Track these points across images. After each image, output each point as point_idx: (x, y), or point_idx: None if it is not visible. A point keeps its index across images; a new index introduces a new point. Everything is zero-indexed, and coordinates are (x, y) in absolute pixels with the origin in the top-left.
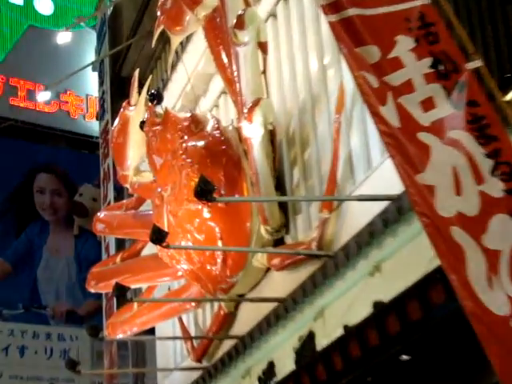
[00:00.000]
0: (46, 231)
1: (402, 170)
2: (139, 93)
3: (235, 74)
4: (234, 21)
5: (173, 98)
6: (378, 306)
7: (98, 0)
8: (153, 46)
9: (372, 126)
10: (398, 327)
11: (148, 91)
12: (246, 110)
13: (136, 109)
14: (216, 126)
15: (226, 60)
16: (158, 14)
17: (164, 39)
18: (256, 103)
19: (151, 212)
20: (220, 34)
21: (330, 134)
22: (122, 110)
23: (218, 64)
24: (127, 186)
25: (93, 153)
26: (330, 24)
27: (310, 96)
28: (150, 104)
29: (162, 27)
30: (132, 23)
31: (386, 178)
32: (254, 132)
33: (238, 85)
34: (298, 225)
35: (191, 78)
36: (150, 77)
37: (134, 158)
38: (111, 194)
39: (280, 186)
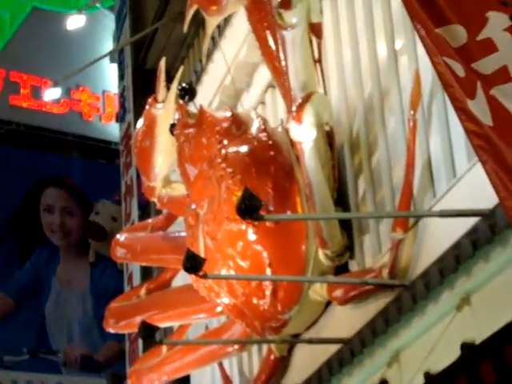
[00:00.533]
0: (55, 258)
1: (495, 178)
2: (168, 87)
3: (283, 63)
4: None
5: (209, 94)
6: (467, 348)
7: None
8: (184, 30)
9: (456, 124)
10: (494, 375)
11: (179, 85)
12: (294, 108)
13: (164, 106)
14: (262, 127)
15: (273, 47)
16: None
17: (197, 23)
18: (306, 99)
19: (184, 234)
20: (267, 16)
21: (403, 135)
22: (147, 107)
23: (264, 52)
24: (154, 199)
25: (112, 162)
26: None
27: (377, 89)
28: (180, 101)
29: (195, 7)
30: (158, 3)
31: (474, 189)
32: (304, 135)
33: (286, 77)
34: (365, 247)
35: (231, 69)
36: (182, 68)
37: (163, 165)
38: (135, 213)
39: (342, 200)
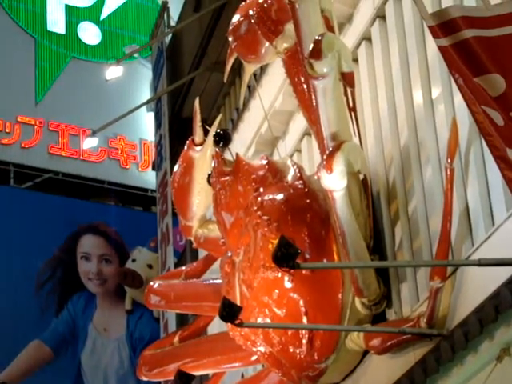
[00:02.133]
0: (92, 306)
1: None
2: (204, 128)
3: (316, 112)
4: (310, 49)
5: (245, 142)
6: None
7: (153, 26)
8: (225, 79)
9: (495, 173)
10: None
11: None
12: (324, 157)
13: (202, 150)
14: (298, 175)
15: (306, 92)
16: (231, 39)
17: (233, 72)
18: (337, 148)
19: (217, 281)
20: (303, 69)
21: (440, 184)
22: (185, 149)
23: (300, 100)
24: (191, 238)
25: (148, 210)
26: (440, 49)
27: (414, 137)
28: (216, 148)
29: (235, 55)
30: (195, 53)
31: None
32: (334, 183)
33: (319, 126)
34: (403, 296)
35: (267, 117)
36: (220, 115)
37: (200, 206)
38: (170, 260)
39: (378, 248)
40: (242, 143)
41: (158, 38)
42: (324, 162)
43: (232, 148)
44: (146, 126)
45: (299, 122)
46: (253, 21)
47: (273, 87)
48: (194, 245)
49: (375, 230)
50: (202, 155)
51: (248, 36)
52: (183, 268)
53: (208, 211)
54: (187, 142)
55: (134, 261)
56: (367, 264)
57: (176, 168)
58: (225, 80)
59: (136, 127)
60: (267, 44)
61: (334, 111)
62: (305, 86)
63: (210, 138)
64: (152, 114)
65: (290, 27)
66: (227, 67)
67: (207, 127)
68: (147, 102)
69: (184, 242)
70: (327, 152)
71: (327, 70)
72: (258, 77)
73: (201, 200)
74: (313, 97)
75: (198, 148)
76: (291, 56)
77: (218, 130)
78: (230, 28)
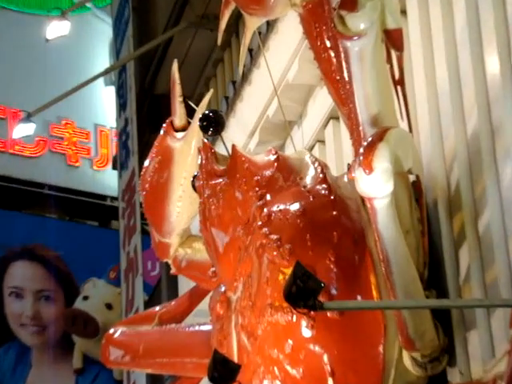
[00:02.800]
0: (25, 362)
1: None
2: (189, 112)
3: (347, 86)
4: None
5: (245, 129)
6: None
7: None
8: (219, 39)
9: None
10: None
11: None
12: (362, 150)
13: (185, 138)
14: (321, 176)
15: (333, 61)
16: None
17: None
18: (379, 137)
19: (208, 327)
20: (329, 27)
21: None
22: (161, 135)
23: (324, 71)
24: (168, 261)
25: (106, 226)
26: None
27: (487, 122)
28: (203, 137)
29: (232, 6)
30: (173, 2)
31: None
32: (376, 188)
33: (352, 105)
34: (471, 350)
35: (277, 93)
36: (211, 91)
37: (182, 215)
38: (139, 297)
39: (435, 280)
40: (241, 130)
41: None
42: (360, 158)
43: (226, 137)
44: (103, 106)
45: (322, 101)
46: None
47: (285, 52)
48: (173, 270)
49: (432, 254)
50: (184, 145)
51: None
52: (157, 309)
53: (193, 223)
54: (164, 125)
55: (86, 298)
56: (420, 303)
57: (147, 163)
58: (218, 41)
59: (89, 108)
60: None
61: (375, 85)
62: (332, 53)
63: (196, 122)
64: (112, 90)
65: None
66: (221, 23)
67: (192, 105)
68: (105, 73)
69: (158, 271)
70: (365, 143)
71: (365, 25)
72: (263, 36)
73: (183, 208)
74: (343, 65)
75: (178, 135)
76: (312, 10)
77: (207, 112)
78: None
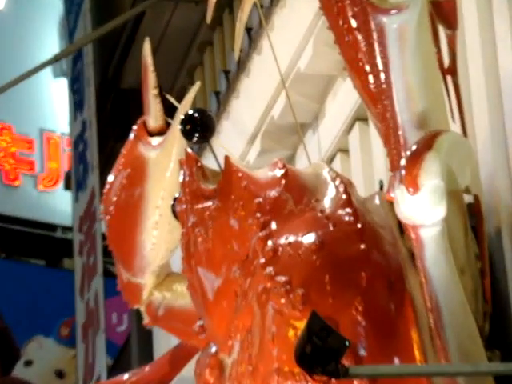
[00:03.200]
0: None
1: None
2: (168, 109)
3: (382, 76)
4: None
5: (242, 134)
6: None
7: None
8: (208, 16)
9: None
10: None
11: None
12: (403, 162)
13: (163, 145)
14: (344, 197)
15: (365, 49)
16: None
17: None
18: (426, 145)
19: None
20: (355, 6)
21: None
22: (130, 139)
23: (347, 57)
24: (140, 308)
25: (56, 265)
26: None
27: None
28: (186, 146)
29: None
30: None
31: None
32: (423, 213)
33: (387, 102)
34: None
35: (285, 85)
36: (198, 84)
37: (158, 247)
38: (101, 361)
39: (500, 336)
40: (238, 136)
41: None
42: (402, 172)
43: (217, 146)
44: (51, 105)
45: (345, 97)
46: None
47: (295, 31)
48: (146, 321)
49: (495, 301)
50: (161, 155)
51: None
52: (125, 377)
53: (174, 258)
54: (134, 128)
55: (28, 364)
56: (480, 368)
57: (112, 177)
58: (208, 18)
59: (32, 108)
60: None
61: (419, 74)
62: (359, 35)
63: (177, 125)
64: (64, 83)
65: None
66: None
67: (172, 101)
68: (54, 60)
69: (126, 326)
70: (407, 153)
71: None
72: (266, 11)
73: (159, 238)
74: (377, 49)
75: (154, 140)
76: None
77: (191, 112)
78: None
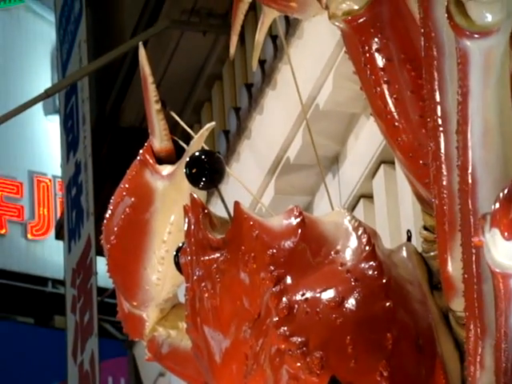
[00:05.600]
0: None
1: None
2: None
3: (456, 110)
4: None
5: (253, 178)
6: None
7: None
8: (231, 49)
9: None
10: None
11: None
12: (498, 205)
13: (173, 178)
14: (367, 248)
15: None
16: None
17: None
18: None
19: None
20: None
21: None
22: (137, 163)
23: (377, 112)
24: (142, 340)
25: (46, 324)
26: None
27: None
28: (192, 193)
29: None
30: None
31: None
32: None
33: (445, 136)
34: None
35: (303, 122)
36: (210, 125)
37: (164, 284)
38: None
39: None
40: (249, 180)
41: None
42: (495, 214)
43: (226, 190)
44: (42, 145)
45: (369, 137)
46: None
47: (313, 64)
48: (148, 356)
49: None
50: (170, 188)
51: None
52: None
53: (180, 290)
54: (141, 152)
55: None
56: None
57: (114, 204)
58: (231, 52)
59: (21, 148)
60: None
61: (500, 105)
62: (386, 88)
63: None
64: (56, 121)
65: None
66: (235, 23)
67: (180, 142)
68: (46, 96)
69: None
70: (503, 193)
71: (498, 17)
72: (282, 41)
73: (165, 274)
74: (445, 75)
75: (163, 169)
76: (360, 27)
77: (197, 154)
78: None
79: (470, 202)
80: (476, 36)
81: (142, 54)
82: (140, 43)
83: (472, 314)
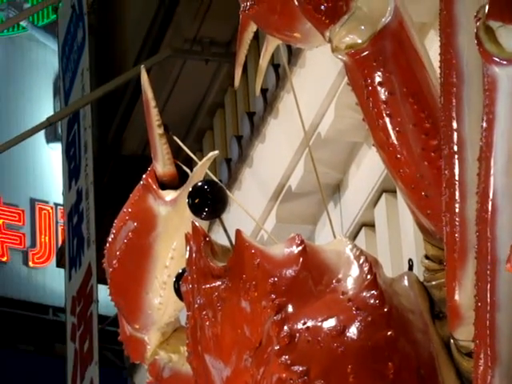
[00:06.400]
0: None
1: None
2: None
3: (480, 136)
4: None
5: (255, 207)
6: None
7: None
8: (236, 81)
9: None
10: None
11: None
12: None
13: (176, 204)
14: (368, 277)
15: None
16: None
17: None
18: None
19: None
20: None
21: None
22: (140, 188)
23: (379, 144)
24: (143, 363)
25: (47, 352)
26: None
27: None
28: (193, 220)
29: (251, 28)
30: (150, 19)
31: None
32: None
33: (461, 163)
34: None
35: (305, 151)
36: (213, 154)
37: (166, 308)
38: None
39: None
40: (251, 208)
41: None
42: None
43: (228, 219)
44: (44, 172)
45: (371, 166)
46: None
47: (314, 93)
48: (149, 380)
49: None
50: (173, 214)
51: (273, 1)
52: None
53: (182, 314)
54: (144, 176)
55: None
56: None
57: (117, 228)
58: (236, 84)
59: (23, 176)
60: (312, 29)
61: None
62: (388, 121)
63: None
64: (58, 148)
65: (362, 3)
66: (240, 53)
67: (185, 168)
68: (48, 124)
69: None
70: None
71: None
72: (284, 70)
73: (167, 299)
74: (464, 103)
75: (166, 195)
76: (363, 61)
77: (200, 183)
78: None
79: (488, 229)
80: (505, 63)
81: (145, 77)
82: (142, 66)
83: (483, 343)
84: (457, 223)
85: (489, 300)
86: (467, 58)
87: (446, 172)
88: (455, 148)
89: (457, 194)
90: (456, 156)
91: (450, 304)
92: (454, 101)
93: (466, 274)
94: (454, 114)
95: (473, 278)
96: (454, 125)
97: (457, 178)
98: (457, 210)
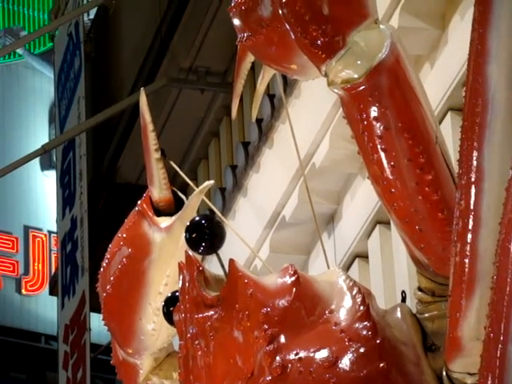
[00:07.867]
0: None
1: None
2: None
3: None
4: None
5: (249, 236)
6: None
7: None
8: (233, 112)
9: None
10: None
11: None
12: None
13: (171, 231)
14: (361, 308)
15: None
16: (237, 24)
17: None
18: None
19: None
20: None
21: None
22: (135, 214)
23: (374, 178)
24: None
25: (39, 380)
26: None
27: None
28: (189, 251)
29: (249, 59)
30: (147, 47)
31: None
32: None
33: (477, 190)
34: None
35: (298, 181)
36: (207, 184)
37: (159, 334)
38: None
39: None
40: (245, 237)
41: (68, 17)
42: None
43: (222, 249)
44: (38, 200)
45: (364, 197)
46: (281, 11)
47: (309, 123)
48: None
49: None
50: (168, 241)
51: (271, 33)
52: None
53: (175, 339)
54: (140, 202)
55: None
56: None
57: (111, 253)
58: (233, 115)
59: (17, 203)
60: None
61: None
62: (383, 156)
63: (184, 215)
64: (53, 176)
65: (359, 38)
66: (237, 84)
67: (181, 195)
68: (43, 151)
69: None
70: None
71: None
72: (279, 101)
73: (160, 325)
74: (486, 133)
75: (161, 221)
76: (359, 96)
77: (197, 218)
78: (234, 3)
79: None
80: None
81: (143, 100)
82: (142, 89)
83: (491, 375)
84: (467, 253)
85: (502, 331)
86: (494, 89)
87: (462, 202)
88: (473, 178)
89: (471, 223)
90: (473, 186)
91: (451, 335)
92: (476, 130)
93: (471, 305)
94: (475, 144)
95: (478, 309)
96: (475, 154)
97: (472, 207)
98: (469, 241)
